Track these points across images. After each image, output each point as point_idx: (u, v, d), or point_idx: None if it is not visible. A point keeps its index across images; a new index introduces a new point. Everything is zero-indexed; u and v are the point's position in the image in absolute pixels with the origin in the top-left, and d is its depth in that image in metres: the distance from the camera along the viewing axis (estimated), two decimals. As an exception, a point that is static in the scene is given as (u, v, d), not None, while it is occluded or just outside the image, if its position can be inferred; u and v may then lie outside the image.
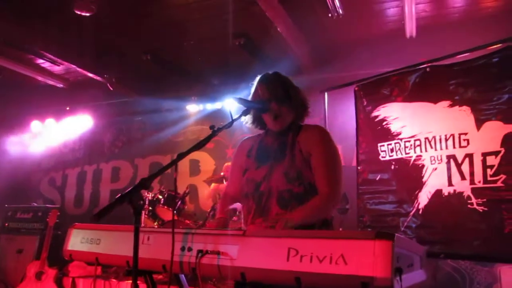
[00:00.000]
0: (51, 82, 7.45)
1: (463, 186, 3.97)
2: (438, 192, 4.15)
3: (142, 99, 7.65)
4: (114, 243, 2.18)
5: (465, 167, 3.96)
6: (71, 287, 5.30)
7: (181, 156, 1.95)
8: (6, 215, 6.87)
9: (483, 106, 3.91)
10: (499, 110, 3.81)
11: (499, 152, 3.77)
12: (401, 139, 4.48)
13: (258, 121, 2.48)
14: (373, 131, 4.75)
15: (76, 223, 2.47)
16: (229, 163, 6.31)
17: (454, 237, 4.03)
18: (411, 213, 4.34)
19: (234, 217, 2.54)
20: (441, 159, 4.15)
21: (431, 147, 4.23)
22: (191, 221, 5.64)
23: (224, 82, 6.98)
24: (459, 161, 4.01)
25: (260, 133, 2.57)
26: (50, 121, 8.30)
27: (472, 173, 3.92)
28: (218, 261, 1.76)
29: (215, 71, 6.89)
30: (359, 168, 4.83)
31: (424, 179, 4.26)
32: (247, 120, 2.47)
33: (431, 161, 4.22)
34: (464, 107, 4.02)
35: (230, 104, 6.89)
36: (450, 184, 4.07)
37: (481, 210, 3.84)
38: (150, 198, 5.80)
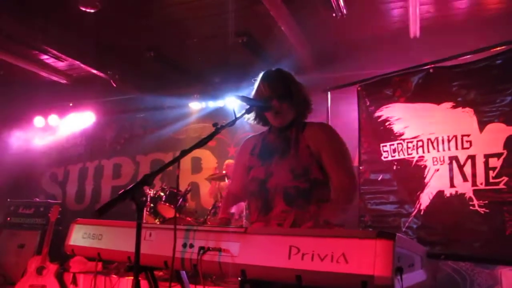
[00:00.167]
0: (54, 78, 7.46)
1: (465, 188, 3.97)
2: (440, 193, 4.15)
3: (144, 96, 7.66)
4: (116, 238, 2.19)
5: (467, 169, 3.96)
6: (71, 283, 5.32)
7: (184, 153, 1.95)
8: (8, 210, 6.89)
9: (486, 108, 3.91)
10: (502, 112, 3.80)
11: (501, 154, 3.77)
12: (403, 140, 4.48)
13: (260, 118, 2.48)
14: (376, 131, 4.75)
15: (79, 218, 2.47)
16: (230, 161, 6.34)
17: (455, 238, 4.03)
18: (413, 214, 4.34)
19: (235, 216, 2.55)
20: (443, 160, 4.15)
21: (434, 148, 4.23)
22: (192, 219, 5.65)
23: (226, 80, 6.98)
24: (462, 162, 4.01)
25: (263, 132, 2.57)
26: (53, 117, 8.31)
27: (474, 175, 3.92)
28: (219, 258, 1.76)
29: (218, 69, 6.89)
30: (361, 168, 4.83)
31: (426, 180, 4.26)
32: (250, 117, 2.47)
33: (433, 162, 4.22)
34: (467, 109, 4.02)
35: (232, 102, 6.90)
36: (452, 185, 4.07)
37: (482, 212, 3.84)
38: (151, 195, 5.81)
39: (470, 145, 3.97)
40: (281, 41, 5.62)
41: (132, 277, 1.73)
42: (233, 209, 2.48)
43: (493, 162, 3.81)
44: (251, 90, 2.48)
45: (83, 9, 4.93)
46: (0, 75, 7.17)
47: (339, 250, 1.50)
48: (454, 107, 4.13)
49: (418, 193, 4.31)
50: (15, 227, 6.67)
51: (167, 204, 5.75)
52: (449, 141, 4.12)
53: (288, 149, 2.34)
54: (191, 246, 1.86)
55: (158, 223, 5.60)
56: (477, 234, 3.87)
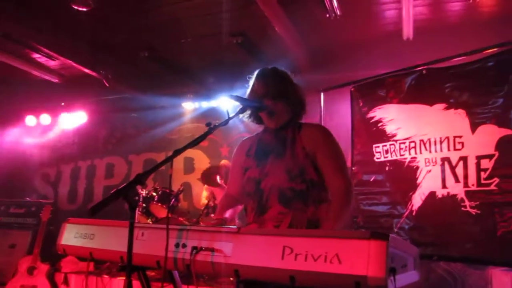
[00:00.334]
0: (46, 77, 7.40)
1: (457, 189, 4.00)
2: (432, 194, 4.18)
3: (137, 96, 7.63)
4: (108, 238, 2.18)
5: (459, 170, 3.99)
6: (63, 283, 5.28)
7: (177, 152, 1.95)
8: (-1, 210, 6.84)
9: (478, 109, 3.94)
10: (494, 113, 3.83)
11: (493, 155, 3.79)
12: (396, 141, 4.50)
13: (255, 117, 2.47)
14: (369, 132, 4.77)
15: (70, 218, 2.46)
16: (225, 161, 6.33)
17: (446, 239, 4.05)
18: (405, 215, 4.36)
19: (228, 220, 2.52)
20: (435, 162, 4.17)
21: (426, 149, 4.25)
22: (185, 219, 5.64)
23: (220, 80, 6.97)
24: (454, 163, 4.03)
25: (258, 133, 2.57)
26: (45, 116, 8.26)
27: (466, 176, 3.94)
28: (212, 258, 1.76)
29: (212, 69, 6.88)
30: (353, 168, 4.84)
31: (418, 181, 4.29)
32: (244, 115, 2.45)
33: (425, 163, 4.25)
34: (460, 110, 4.05)
35: (226, 103, 6.89)
36: (444, 186, 4.09)
37: (474, 213, 3.87)
38: (144, 195, 5.79)
39: (462, 146, 3.99)
40: (275, 42, 5.62)
41: (124, 277, 1.72)
42: (227, 214, 2.46)
43: (485, 163, 3.84)
44: (246, 90, 2.47)
45: (76, 7, 4.90)
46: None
47: (333, 250, 1.50)
48: (446, 108, 4.15)
49: (410, 194, 4.33)
50: (6, 227, 6.62)
51: (160, 204, 5.73)
52: (441, 142, 4.15)
53: (284, 149, 2.33)
54: (184, 246, 1.85)
55: (150, 223, 5.58)
56: (468, 235, 3.90)
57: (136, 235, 1.97)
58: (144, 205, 5.76)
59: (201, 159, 7.58)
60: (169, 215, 5.32)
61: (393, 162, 4.51)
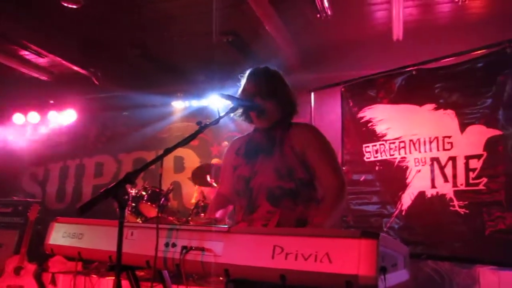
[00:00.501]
0: (35, 75, 7.33)
1: (445, 189, 4.03)
2: (421, 194, 4.20)
3: (127, 94, 7.57)
4: (97, 237, 2.16)
5: (448, 170, 4.02)
6: (50, 283, 5.23)
7: (168, 151, 1.94)
8: (-14, 209, 6.75)
9: (467, 110, 3.97)
10: (483, 114, 3.86)
11: (481, 155, 3.82)
12: (386, 141, 4.52)
13: (246, 116, 2.46)
14: (359, 132, 4.79)
15: (59, 217, 2.43)
16: (216, 160, 6.32)
17: (435, 239, 4.08)
18: (394, 214, 4.38)
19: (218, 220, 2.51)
20: (425, 161, 4.20)
21: (416, 149, 4.27)
22: (174, 218, 5.61)
23: (211, 79, 6.95)
24: (443, 163, 4.06)
25: (249, 133, 2.56)
26: (33, 114, 8.17)
27: (455, 176, 3.97)
28: (202, 258, 1.75)
29: (202, 68, 6.86)
30: (343, 168, 4.85)
31: (407, 181, 4.31)
32: (236, 113, 2.43)
33: (415, 163, 4.27)
34: (449, 111, 4.08)
35: (216, 101, 6.88)
36: (433, 186, 4.12)
37: (462, 213, 3.90)
38: (133, 194, 5.75)
39: (451, 146, 4.02)
40: (266, 41, 5.62)
41: (113, 277, 1.71)
42: (218, 214, 2.45)
43: (474, 163, 3.87)
44: (236, 89, 2.47)
45: (66, 4, 4.86)
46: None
47: (323, 249, 1.50)
48: (436, 108, 4.18)
49: (400, 193, 4.35)
50: (-7, 226, 6.54)
51: (149, 203, 5.69)
52: (430, 142, 4.17)
53: (272, 148, 2.32)
54: (174, 245, 1.84)
55: (140, 222, 5.55)
56: (457, 234, 3.93)
57: (125, 234, 1.95)
58: (133, 204, 5.72)
59: (191, 158, 7.56)
60: (159, 215, 5.30)
61: (383, 162, 4.53)
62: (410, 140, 4.32)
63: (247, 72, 2.44)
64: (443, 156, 4.07)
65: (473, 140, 3.89)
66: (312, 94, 5.28)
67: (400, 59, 4.76)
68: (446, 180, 4.04)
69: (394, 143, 4.45)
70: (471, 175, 3.88)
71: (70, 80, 7.38)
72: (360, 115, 4.78)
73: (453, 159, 4.01)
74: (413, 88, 4.38)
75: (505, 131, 3.70)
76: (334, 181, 2.23)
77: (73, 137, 8.51)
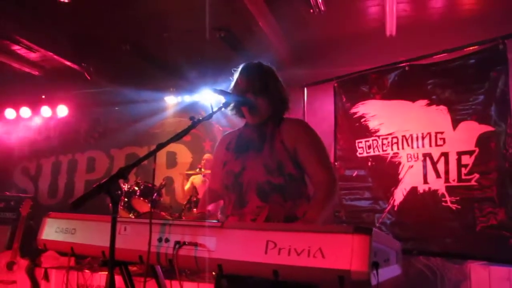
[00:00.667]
0: (26, 70, 7.28)
1: (438, 184, 4.05)
2: (414, 190, 4.22)
3: (119, 90, 7.55)
4: (90, 233, 2.15)
5: (441, 166, 4.04)
6: (43, 278, 5.21)
7: (160, 146, 1.93)
8: (-22, 204, 6.71)
9: (459, 106, 3.99)
10: (475, 110, 3.88)
11: (473, 151, 3.85)
12: (378, 136, 4.53)
13: (238, 111, 2.45)
14: (351, 128, 4.80)
15: (51, 212, 2.42)
16: (208, 155, 6.32)
17: (427, 234, 4.10)
18: (386, 210, 4.40)
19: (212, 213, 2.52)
20: (417, 157, 4.22)
21: (408, 145, 4.29)
22: (167, 213, 5.61)
23: (203, 75, 6.93)
24: (435, 159, 4.08)
25: (240, 127, 2.56)
26: (24, 109, 8.13)
27: (447, 172, 3.99)
28: (196, 253, 1.75)
29: (195, 64, 6.84)
30: (336, 164, 4.87)
31: (400, 176, 4.33)
32: (228, 108, 2.43)
33: (407, 158, 4.29)
34: (441, 107, 4.09)
35: (208, 97, 6.87)
36: (425, 181, 4.14)
37: (454, 208, 3.92)
38: (126, 189, 5.75)
39: (444, 142, 4.04)
40: (259, 37, 5.61)
41: (106, 272, 1.70)
42: (210, 207, 2.46)
43: (466, 159, 3.89)
44: (229, 84, 2.46)
45: (57, -1, 4.83)
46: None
47: (316, 245, 1.50)
48: (428, 104, 4.19)
49: (392, 189, 4.37)
50: (-15, 222, 6.50)
51: (142, 198, 5.70)
52: (423, 138, 4.19)
53: (262, 144, 2.31)
54: (167, 240, 1.84)
55: (132, 217, 5.54)
56: (448, 230, 3.95)
57: (118, 229, 1.94)
58: (126, 199, 5.72)
59: (184, 154, 7.55)
60: (152, 210, 5.30)
61: (376, 158, 4.54)
62: (403, 136, 4.34)
63: (240, 67, 2.44)
64: (436, 152, 4.09)
65: (465, 136, 3.91)
66: (305, 89, 5.29)
67: (393, 55, 4.78)
68: (438, 176, 4.06)
69: (386, 138, 4.47)
70: (463, 171, 3.90)
71: (62, 75, 7.34)
72: (353, 110, 4.79)
73: (445, 155, 4.03)
74: (406, 84, 4.39)
75: (497, 128, 3.72)
76: (325, 178, 2.23)
77: (65, 132, 8.48)
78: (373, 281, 1.44)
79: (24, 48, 6.48)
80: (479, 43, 3.98)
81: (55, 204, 8.18)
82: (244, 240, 1.67)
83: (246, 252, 1.63)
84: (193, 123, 2.06)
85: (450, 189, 3.97)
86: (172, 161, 7.61)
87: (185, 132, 2.02)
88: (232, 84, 2.42)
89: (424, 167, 4.15)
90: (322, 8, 4.92)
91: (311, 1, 4.78)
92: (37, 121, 8.40)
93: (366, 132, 4.64)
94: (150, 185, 5.73)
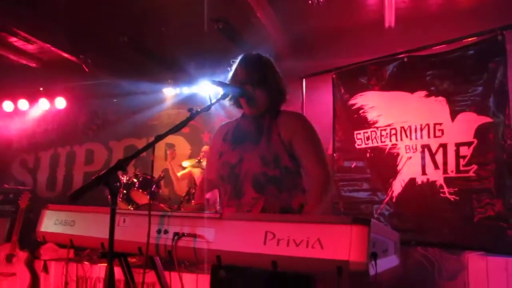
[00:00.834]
0: (24, 62, 7.25)
1: (436, 175, 4.06)
2: (412, 181, 4.24)
3: (118, 81, 7.52)
4: (89, 225, 2.15)
5: (439, 157, 4.05)
6: (42, 270, 5.23)
7: (159, 138, 1.93)
8: (-24, 197, 6.71)
9: (458, 97, 3.99)
10: (473, 101, 3.89)
11: (472, 143, 3.86)
12: (377, 128, 4.54)
13: (235, 101, 2.45)
14: (350, 119, 4.80)
15: (50, 204, 2.42)
16: (207, 147, 6.31)
17: (425, 225, 4.12)
18: (385, 201, 4.42)
19: (211, 205, 2.52)
20: (415, 148, 4.22)
21: (407, 136, 4.30)
22: (166, 205, 5.62)
23: (202, 67, 6.91)
24: (433, 150, 4.09)
25: (237, 118, 2.56)
26: (22, 101, 8.10)
27: (445, 163, 4.00)
28: (194, 244, 1.75)
29: (193, 55, 6.81)
30: (334, 155, 4.88)
31: (398, 168, 4.34)
32: (226, 100, 2.42)
33: (406, 150, 4.30)
34: (440, 98, 4.10)
35: (206, 89, 6.85)
36: (423, 173, 4.15)
37: (452, 199, 3.94)
38: (124, 181, 5.75)
39: (442, 133, 4.05)
40: (257, 28, 5.58)
41: (105, 264, 1.71)
42: (208, 195, 2.46)
43: (464, 150, 3.90)
44: (227, 76, 2.45)
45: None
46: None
47: (315, 235, 1.51)
48: (427, 96, 4.19)
49: (391, 180, 4.39)
50: (-16, 214, 6.51)
51: (141, 190, 5.70)
52: (421, 129, 4.19)
53: (260, 136, 2.31)
54: (166, 232, 1.84)
55: (131, 209, 5.55)
56: (446, 221, 3.97)
57: (117, 221, 1.95)
58: (124, 191, 5.72)
59: (182, 146, 7.54)
60: (151, 202, 5.30)
61: (374, 149, 4.55)
62: (401, 127, 4.34)
63: (239, 58, 2.43)
64: (434, 143, 4.10)
65: (464, 127, 3.92)
66: (304, 81, 5.28)
67: (392, 46, 4.77)
68: (436, 167, 4.07)
69: (385, 130, 4.47)
70: (462, 162, 3.92)
71: (60, 67, 7.30)
72: (352, 102, 4.79)
73: (443, 146, 4.04)
74: (405, 75, 4.39)
75: (496, 119, 3.73)
76: (320, 172, 2.24)
77: (64, 125, 8.46)
78: (372, 272, 1.45)
79: (21, 40, 6.45)
80: (478, 34, 3.98)
81: (54, 196, 8.18)
82: (243, 231, 1.67)
83: (245, 243, 1.64)
84: (192, 115, 2.06)
85: (448, 180, 3.98)
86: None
87: (184, 123, 2.02)
88: (230, 75, 2.42)
89: (423, 158, 4.16)
90: (321, -1, 4.90)
91: (310, -8, 4.77)
92: (35, 113, 8.38)
93: (364, 123, 4.64)
94: (149, 177, 5.73)
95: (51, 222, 2.32)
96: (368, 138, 4.60)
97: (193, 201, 5.39)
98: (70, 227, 2.22)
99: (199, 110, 2.10)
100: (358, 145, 4.68)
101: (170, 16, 5.72)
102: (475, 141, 3.83)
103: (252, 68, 2.36)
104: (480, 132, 3.81)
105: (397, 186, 4.33)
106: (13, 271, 5.19)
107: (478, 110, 3.85)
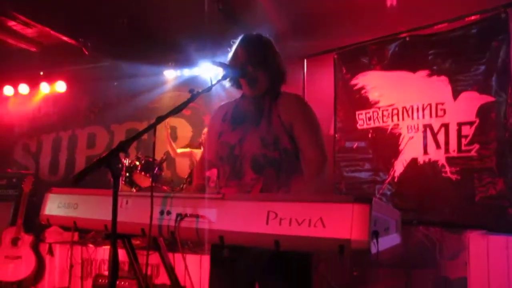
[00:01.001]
0: (23, 46, 7.20)
1: (438, 155, 4.06)
2: (414, 161, 4.24)
3: (118, 64, 7.48)
4: (92, 207, 2.17)
5: (441, 137, 4.05)
6: (47, 253, 5.28)
7: (160, 119, 1.92)
8: (-20, 182, 6.74)
9: (460, 76, 3.97)
10: (476, 80, 3.87)
11: (474, 122, 3.85)
12: (379, 108, 4.52)
13: (234, 81, 2.44)
14: (351, 99, 4.78)
15: (53, 188, 2.44)
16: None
17: (427, 205, 4.14)
18: (387, 181, 4.43)
19: (210, 183, 2.52)
20: (417, 128, 4.22)
21: (408, 116, 4.29)
22: (169, 188, 5.64)
23: (202, 49, 6.86)
24: (435, 130, 4.09)
25: (236, 99, 2.55)
26: (23, 86, 8.09)
27: (447, 142, 4.00)
28: (197, 225, 1.76)
29: (193, 37, 6.76)
30: (336, 136, 4.88)
31: (400, 148, 4.34)
32: (226, 80, 2.41)
33: (407, 130, 4.29)
34: (442, 77, 4.08)
35: (207, 71, 6.82)
36: (425, 152, 4.16)
37: (454, 179, 3.95)
38: (127, 164, 5.76)
39: (444, 113, 4.04)
40: (258, 8, 5.53)
41: (109, 246, 1.72)
42: (208, 173, 2.46)
43: (466, 130, 3.89)
44: (228, 56, 2.44)
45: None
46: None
47: (317, 214, 1.52)
48: (429, 75, 4.17)
49: (393, 160, 4.39)
50: (-13, 199, 6.55)
51: (143, 173, 5.72)
52: (423, 109, 4.18)
53: (260, 117, 2.31)
54: (169, 213, 1.85)
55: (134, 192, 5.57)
56: (448, 200, 3.99)
57: (120, 203, 1.95)
58: (127, 174, 5.74)
59: (184, 128, 7.54)
60: (153, 184, 5.32)
61: (376, 129, 4.54)
62: (403, 107, 4.33)
63: (239, 38, 2.41)
64: (436, 123, 4.09)
65: (466, 106, 3.91)
66: (305, 61, 5.25)
67: (394, 25, 4.72)
68: (438, 146, 4.07)
69: (387, 110, 4.46)
70: (463, 141, 3.92)
71: (60, 50, 7.26)
72: (353, 82, 4.77)
73: (445, 125, 4.03)
74: (407, 55, 4.37)
75: (498, 98, 3.71)
76: (317, 156, 2.25)
77: (65, 108, 8.44)
78: (373, 250, 1.46)
79: (20, 24, 6.40)
80: (480, 12, 3.94)
81: (56, 180, 8.21)
82: (245, 211, 1.68)
83: (247, 223, 1.65)
84: (192, 96, 2.05)
85: (450, 160, 3.98)
86: (172, 135, 7.59)
87: (185, 105, 2.01)
88: (231, 55, 2.40)
89: (425, 138, 4.16)
90: (322, -22, 4.85)
91: (311, -29, 4.71)
92: (36, 97, 8.36)
93: (366, 103, 4.63)
94: (150, 159, 5.75)
95: (55, 205, 2.34)
96: (370, 119, 4.59)
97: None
98: (73, 210, 2.24)
99: (199, 91, 2.10)
100: (359, 125, 4.68)
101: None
102: (477, 120, 3.82)
103: (253, 48, 2.35)
104: (482, 111, 3.80)
105: (399, 166, 4.33)
106: (18, 254, 5.25)
107: (480, 89, 3.83)
